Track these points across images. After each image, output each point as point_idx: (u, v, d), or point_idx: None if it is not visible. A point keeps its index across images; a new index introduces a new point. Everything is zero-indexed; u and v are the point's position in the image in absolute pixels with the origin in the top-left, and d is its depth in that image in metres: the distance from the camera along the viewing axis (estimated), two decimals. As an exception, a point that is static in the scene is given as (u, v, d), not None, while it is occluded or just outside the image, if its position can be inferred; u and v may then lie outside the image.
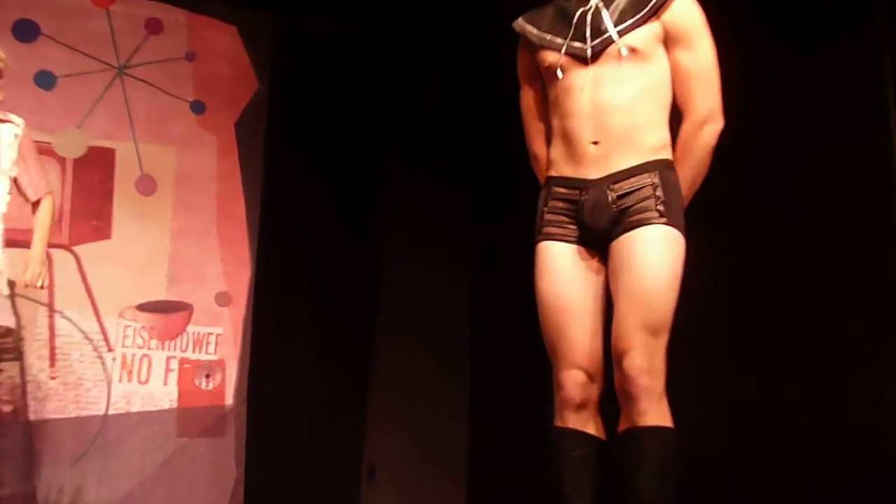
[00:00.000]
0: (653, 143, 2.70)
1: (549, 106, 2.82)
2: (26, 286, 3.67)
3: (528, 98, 2.92)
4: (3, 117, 3.59)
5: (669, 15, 2.74)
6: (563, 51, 2.76)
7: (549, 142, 2.84)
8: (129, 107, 5.21)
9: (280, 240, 5.38)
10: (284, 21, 5.41)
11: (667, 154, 2.72)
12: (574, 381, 2.67)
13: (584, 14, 2.76)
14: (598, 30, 2.74)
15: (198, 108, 5.37)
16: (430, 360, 5.47)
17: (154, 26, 5.30)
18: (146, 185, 5.25)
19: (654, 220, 2.62)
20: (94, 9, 5.20)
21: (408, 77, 5.57)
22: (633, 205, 2.65)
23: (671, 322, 2.61)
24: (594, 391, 2.70)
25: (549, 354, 2.73)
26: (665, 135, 2.73)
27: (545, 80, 2.83)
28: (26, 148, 3.65)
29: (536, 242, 2.79)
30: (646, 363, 2.56)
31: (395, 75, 5.54)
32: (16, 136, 3.58)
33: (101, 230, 5.12)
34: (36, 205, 3.80)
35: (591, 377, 2.69)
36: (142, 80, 5.25)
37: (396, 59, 5.53)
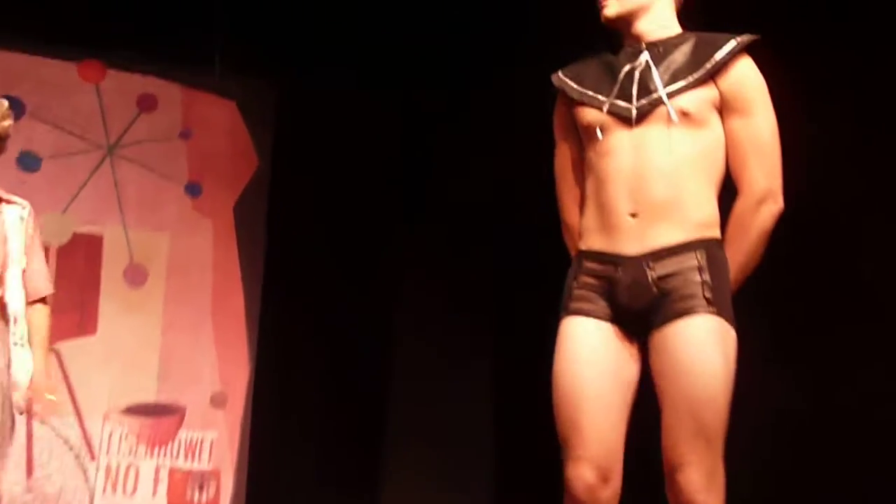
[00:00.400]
0: (699, 218, 2.64)
1: (585, 169, 2.78)
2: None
3: (563, 159, 2.88)
4: (6, 198, 3.40)
5: (727, 79, 2.70)
6: (605, 109, 2.72)
7: (582, 209, 2.80)
8: (118, 190, 5.21)
9: (282, 335, 5.34)
10: (286, 92, 5.45)
11: (715, 232, 2.67)
12: (583, 479, 2.58)
13: (631, 70, 2.73)
14: (646, 88, 2.70)
15: (193, 190, 5.38)
16: (448, 467, 5.35)
17: (147, 103, 5.33)
18: (136, 275, 5.24)
19: (702, 310, 2.56)
20: (82, 84, 5.22)
21: (419, 144, 5.58)
22: (677, 289, 2.58)
23: (726, 427, 2.55)
24: (609, 493, 2.59)
25: (560, 446, 2.64)
26: (714, 210, 2.68)
27: (583, 140, 2.79)
28: (34, 235, 3.42)
29: (561, 318, 2.71)
30: (703, 479, 2.50)
31: (404, 143, 5.58)
32: (22, 219, 3.36)
33: (86, 325, 5.09)
34: (29, 306, 3.45)
35: (603, 476, 2.58)
36: (133, 161, 5.26)
37: (406, 125, 5.56)
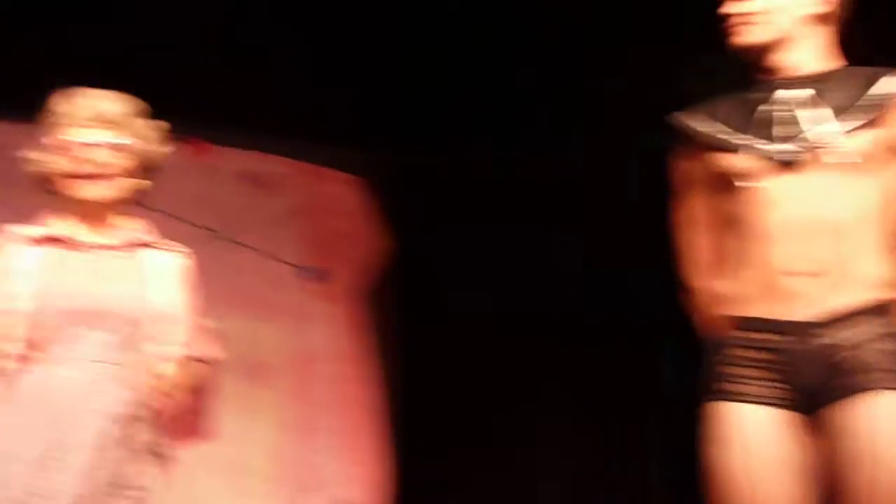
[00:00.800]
0: (875, 277, 2.59)
1: (724, 223, 2.71)
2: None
3: (691, 214, 2.82)
4: (153, 243, 3.08)
5: None
6: (751, 153, 2.65)
7: (722, 270, 2.72)
8: (232, 278, 5.18)
9: (420, 436, 5.30)
10: (414, 165, 5.43)
11: (892, 293, 2.61)
12: None
13: (781, 108, 2.67)
14: (798, 129, 2.63)
15: (317, 275, 5.41)
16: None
17: (259, 181, 5.37)
18: (255, 372, 5.21)
19: (887, 384, 2.51)
20: (189, 165, 5.23)
21: (568, 221, 5.40)
22: (857, 360, 2.52)
23: None
24: None
25: None
26: (889, 268, 2.62)
27: (721, 189, 2.72)
28: (191, 289, 3.10)
29: (711, 402, 2.64)
30: None
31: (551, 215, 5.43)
32: (179, 267, 3.09)
33: (199, 428, 5.11)
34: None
35: None
36: (248, 246, 5.27)
37: (549, 197, 5.41)
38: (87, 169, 2.87)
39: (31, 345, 2.77)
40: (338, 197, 5.49)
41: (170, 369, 2.94)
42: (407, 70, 5.37)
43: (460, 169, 5.43)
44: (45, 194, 2.92)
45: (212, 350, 3.10)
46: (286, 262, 5.38)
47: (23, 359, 2.76)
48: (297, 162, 5.45)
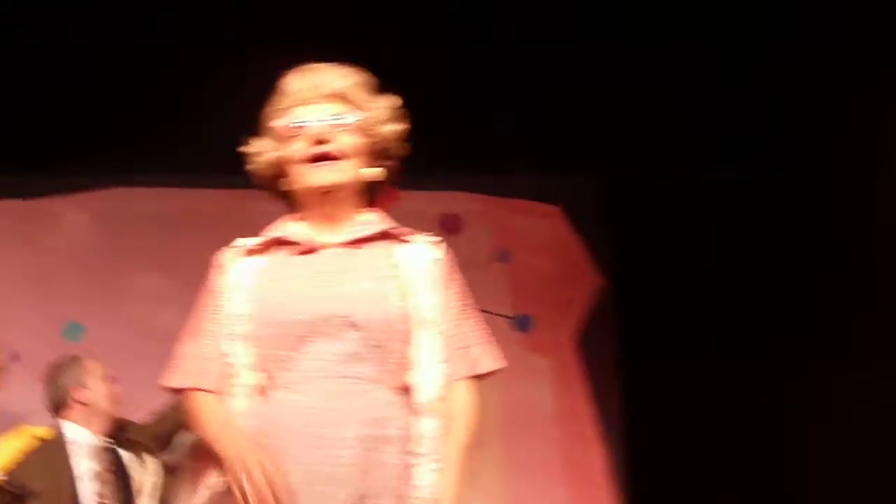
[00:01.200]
0: None
1: None
2: None
3: None
4: (397, 233, 2.70)
5: None
6: None
7: None
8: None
9: (660, 497, 5.11)
10: (620, 189, 5.33)
11: None
12: None
13: None
14: None
15: (522, 323, 5.38)
16: None
17: (452, 224, 5.33)
18: (460, 439, 5.10)
19: None
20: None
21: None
22: None
23: None
24: None
25: None
26: None
27: None
28: (454, 285, 2.70)
29: None
30: None
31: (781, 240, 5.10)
32: (436, 261, 2.67)
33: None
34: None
35: None
36: (444, 297, 5.15)
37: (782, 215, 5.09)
38: (315, 150, 2.58)
39: (261, 369, 2.50)
40: (538, 231, 5.45)
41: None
42: (592, 85, 5.12)
43: (668, 190, 5.20)
44: (274, 196, 2.66)
45: (488, 360, 2.59)
46: (488, 312, 5.11)
47: (252, 389, 2.50)
48: (489, 197, 5.43)
